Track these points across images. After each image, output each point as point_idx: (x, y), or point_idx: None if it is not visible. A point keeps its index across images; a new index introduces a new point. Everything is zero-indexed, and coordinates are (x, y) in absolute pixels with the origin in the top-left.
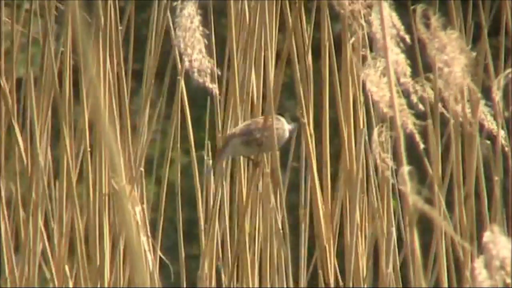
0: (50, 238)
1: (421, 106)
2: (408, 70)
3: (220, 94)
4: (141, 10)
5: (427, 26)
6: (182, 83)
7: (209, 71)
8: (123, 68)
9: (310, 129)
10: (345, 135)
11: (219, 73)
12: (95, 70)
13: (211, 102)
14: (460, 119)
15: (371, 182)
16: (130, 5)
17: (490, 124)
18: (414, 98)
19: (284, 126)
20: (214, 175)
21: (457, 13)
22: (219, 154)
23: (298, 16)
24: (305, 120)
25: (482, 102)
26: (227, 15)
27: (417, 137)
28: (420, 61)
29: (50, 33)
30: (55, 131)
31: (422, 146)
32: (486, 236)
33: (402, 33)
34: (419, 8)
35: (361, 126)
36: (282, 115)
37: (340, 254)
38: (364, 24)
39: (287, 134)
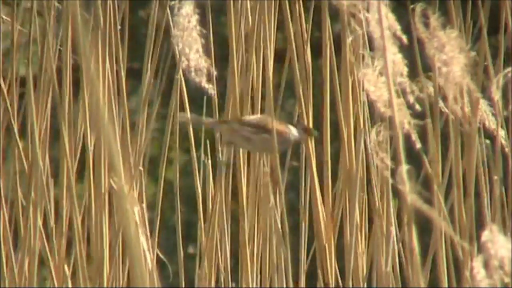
0: (49, 237)
1: (417, 106)
2: (405, 70)
3: (217, 94)
4: (140, 8)
5: (427, 25)
6: (183, 81)
7: (205, 70)
8: (124, 67)
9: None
10: (345, 134)
11: (215, 72)
12: (95, 69)
13: (207, 102)
14: (460, 118)
15: (371, 181)
16: (124, 5)
17: (492, 124)
18: (411, 98)
19: (289, 135)
20: (213, 174)
21: (456, 13)
22: (222, 124)
23: (297, 14)
24: (316, 134)
25: (483, 101)
26: (226, 13)
27: (414, 137)
28: (419, 61)
29: (49, 32)
30: (54, 130)
31: (418, 146)
32: (485, 235)
33: (399, 33)
34: (418, 7)
35: (361, 126)
36: (295, 126)
37: (340, 254)
38: (363, 22)
39: (290, 141)
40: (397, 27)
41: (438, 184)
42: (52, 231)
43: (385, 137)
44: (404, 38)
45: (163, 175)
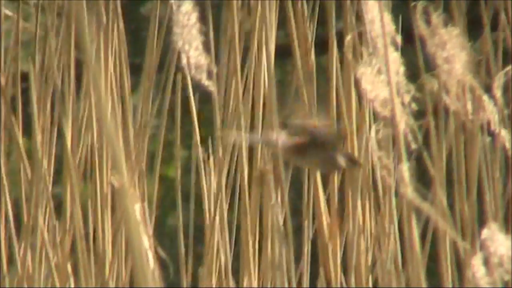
0: (51, 235)
1: (413, 105)
2: (402, 69)
3: (219, 91)
4: (140, 5)
5: (428, 23)
6: (188, 78)
7: (205, 68)
8: (126, 64)
9: None
10: (348, 131)
11: (215, 70)
12: (97, 65)
13: (204, 99)
14: (463, 115)
15: (375, 179)
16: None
17: (494, 124)
18: (407, 97)
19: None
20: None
21: (459, 10)
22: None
23: (300, 12)
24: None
25: (486, 99)
26: (228, 11)
27: (410, 136)
28: (421, 60)
29: (51, 28)
30: (56, 128)
31: (413, 146)
32: (484, 233)
33: (393, 33)
34: (420, 5)
35: (367, 124)
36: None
37: (343, 252)
38: (364, 20)
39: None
40: (393, 27)
41: (441, 183)
42: (55, 229)
43: (385, 135)
44: (399, 38)
45: (157, 172)
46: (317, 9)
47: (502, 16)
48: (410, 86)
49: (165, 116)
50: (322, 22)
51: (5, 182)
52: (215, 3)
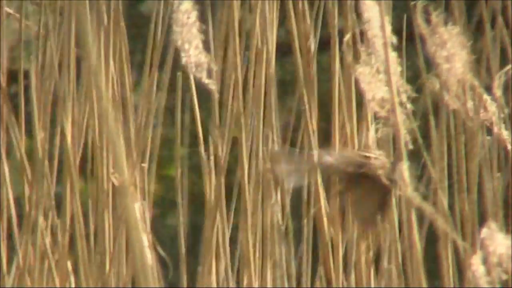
0: (52, 234)
1: (412, 106)
2: (399, 69)
3: (219, 90)
4: (140, 3)
5: (428, 22)
6: (191, 77)
7: (205, 66)
8: (127, 62)
9: (313, 125)
10: (348, 130)
11: (215, 68)
12: (98, 64)
13: (204, 98)
14: (463, 114)
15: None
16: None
17: (495, 123)
18: (404, 98)
19: None
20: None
21: (459, 9)
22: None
23: (301, 11)
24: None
25: (486, 97)
26: (226, 9)
27: (407, 137)
28: (422, 59)
29: (52, 27)
30: (54, 127)
31: (411, 147)
32: (483, 232)
33: (389, 34)
34: (420, 4)
35: (368, 123)
36: None
37: (343, 251)
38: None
39: None
40: (389, 28)
41: (442, 182)
42: (56, 228)
43: (385, 135)
44: (394, 39)
45: (154, 170)
46: (320, 8)
47: (499, 17)
48: (408, 85)
49: (165, 115)
50: (323, 21)
51: (7, 181)
52: (215, 3)
